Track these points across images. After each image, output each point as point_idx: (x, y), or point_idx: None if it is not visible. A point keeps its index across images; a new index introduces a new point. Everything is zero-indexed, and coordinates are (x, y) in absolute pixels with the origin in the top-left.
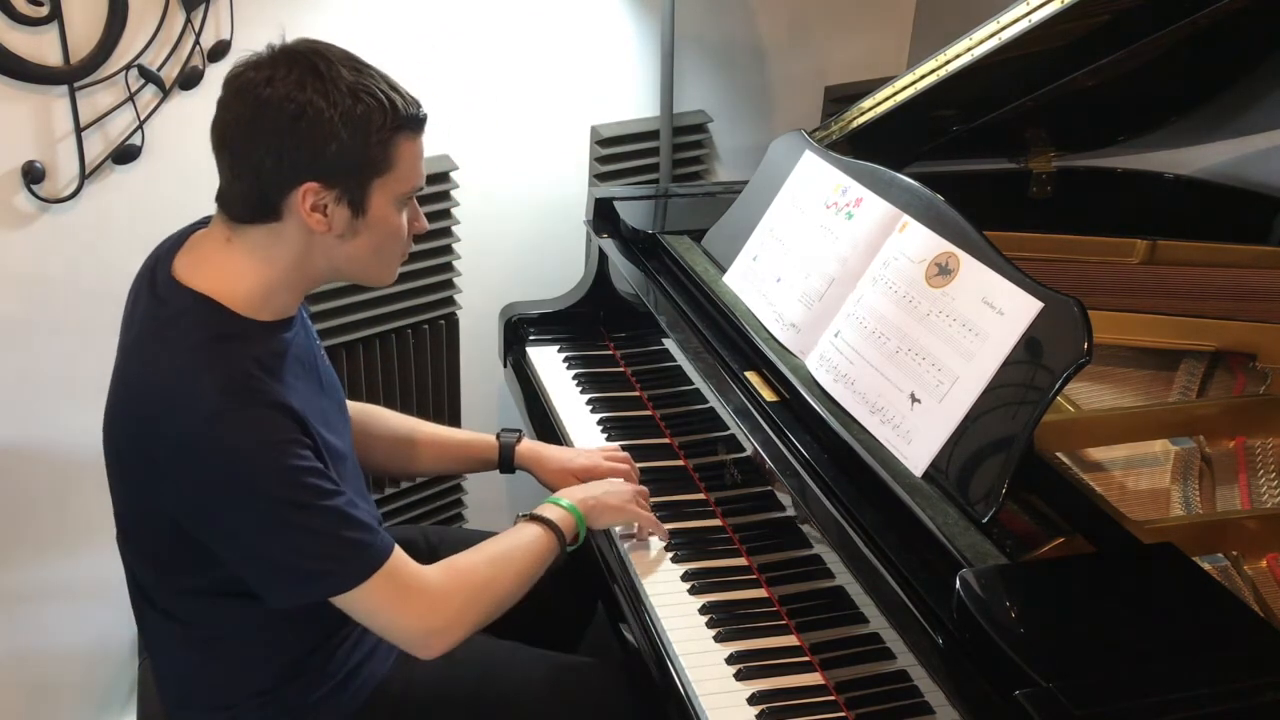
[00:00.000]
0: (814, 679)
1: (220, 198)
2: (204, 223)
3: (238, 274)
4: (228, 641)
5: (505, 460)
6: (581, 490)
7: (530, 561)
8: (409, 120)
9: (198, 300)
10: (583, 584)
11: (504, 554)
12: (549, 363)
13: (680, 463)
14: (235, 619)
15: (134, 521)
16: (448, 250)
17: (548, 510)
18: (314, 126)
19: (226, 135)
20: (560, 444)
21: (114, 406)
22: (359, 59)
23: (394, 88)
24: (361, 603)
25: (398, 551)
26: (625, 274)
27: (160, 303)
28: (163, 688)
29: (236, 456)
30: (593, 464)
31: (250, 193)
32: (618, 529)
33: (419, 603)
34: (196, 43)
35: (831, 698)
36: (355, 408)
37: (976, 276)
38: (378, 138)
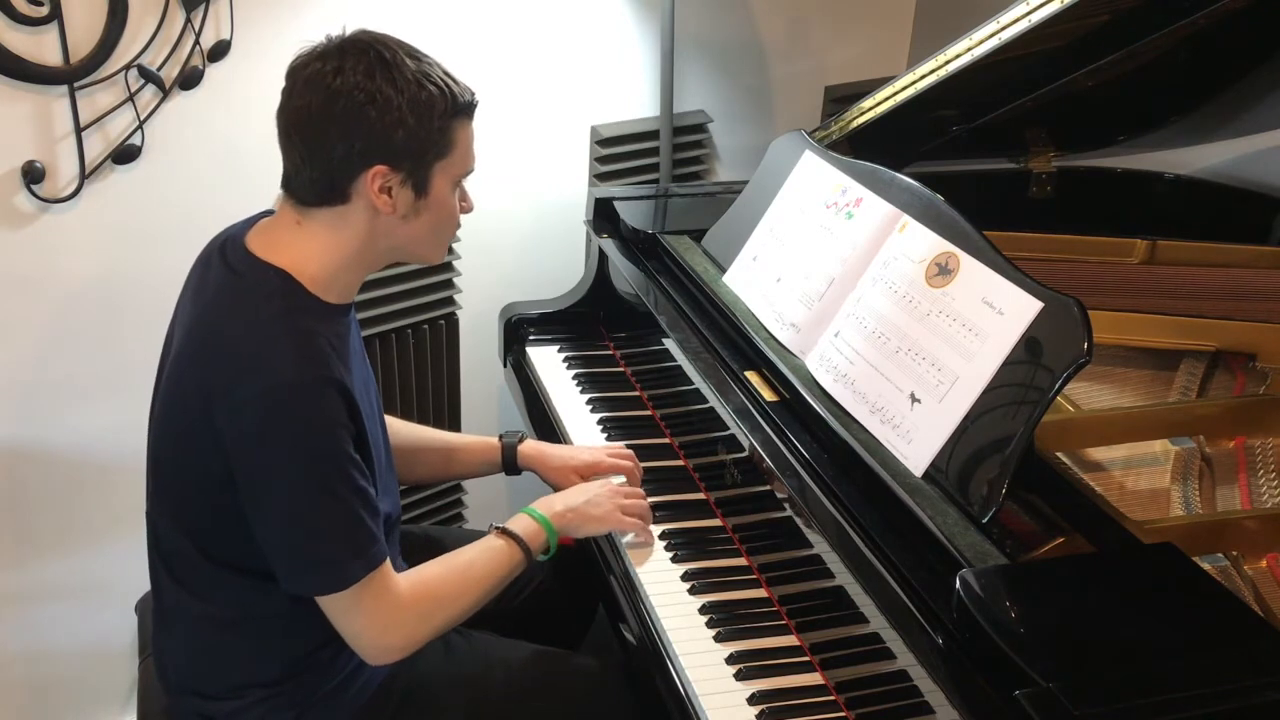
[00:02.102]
0: (814, 679)
1: (287, 184)
2: (268, 213)
3: (309, 254)
4: (244, 624)
5: (509, 462)
6: (561, 501)
7: (492, 578)
8: (465, 106)
9: (276, 273)
10: (583, 584)
11: (468, 571)
12: (549, 363)
13: (680, 463)
14: (252, 600)
15: (175, 484)
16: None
17: (518, 523)
18: (384, 113)
19: (297, 124)
20: (561, 444)
21: (182, 366)
22: (416, 48)
23: (449, 75)
24: (335, 603)
25: (385, 563)
26: (625, 274)
27: (236, 274)
28: (167, 674)
29: (295, 427)
30: (595, 460)
31: (321, 177)
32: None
33: (384, 618)
34: (196, 43)
35: (831, 698)
36: None
37: (976, 276)
38: (440, 123)
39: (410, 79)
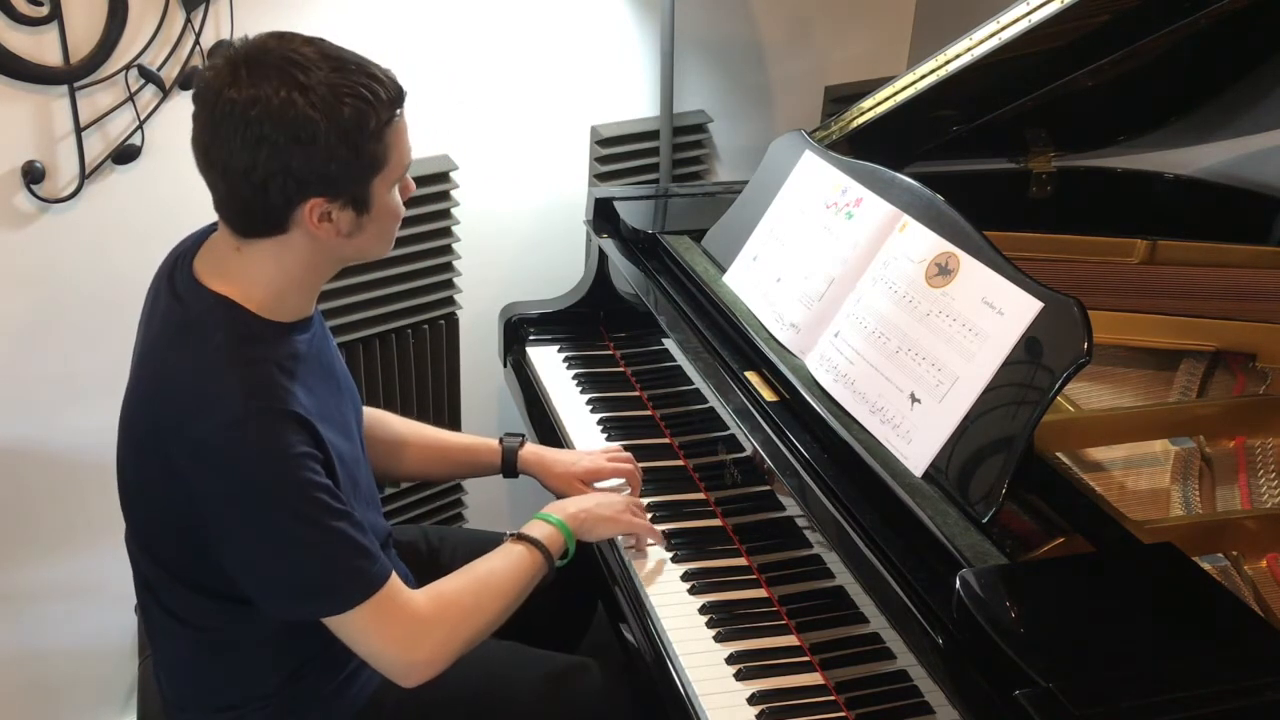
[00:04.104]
0: (814, 679)
1: (219, 211)
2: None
3: (252, 280)
4: (231, 645)
5: (508, 465)
6: (574, 504)
7: (516, 585)
8: (392, 104)
9: (218, 301)
10: (583, 584)
11: (489, 579)
12: (549, 363)
13: (680, 463)
14: (238, 623)
15: (143, 517)
16: (448, 250)
17: (535, 528)
18: (311, 147)
19: (216, 160)
20: (560, 444)
21: (134, 403)
22: (329, 48)
23: (372, 76)
24: (349, 626)
25: (393, 578)
26: (625, 274)
27: (181, 303)
28: (164, 687)
29: (255, 465)
30: (596, 466)
31: (251, 214)
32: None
33: (405, 633)
34: (196, 43)
35: (831, 698)
36: None
37: (976, 276)
38: (371, 136)
39: (331, 100)
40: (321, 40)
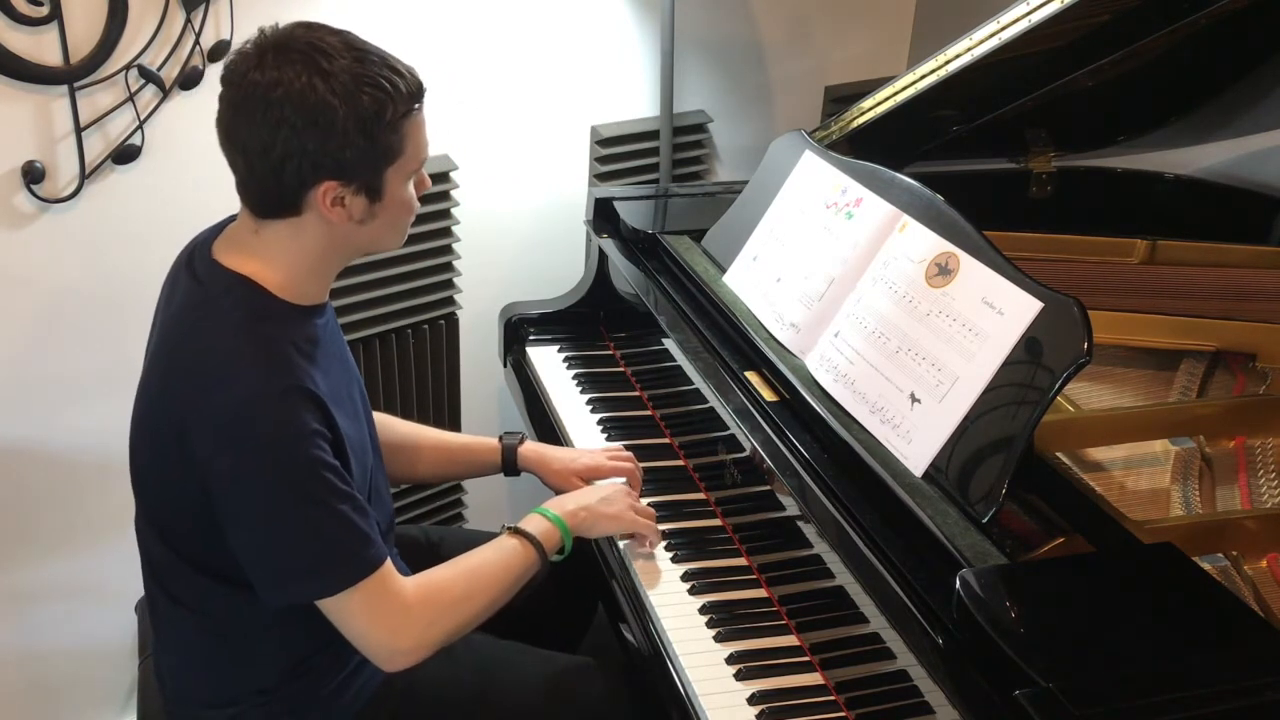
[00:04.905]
0: (814, 679)
1: (239, 191)
2: (235, 217)
3: (270, 261)
4: (237, 634)
5: (508, 463)
6: (573, 500)
7: (506, 578)
8: (411, 98)
9: (238, 280)
10: (583, 584)
11: (480, 570)
12: (549, 363)
13: (680, 463)
14: (244, 610)
15: (155, 498)
16: (448, 250)
17: (531, 523)
18: (328, 131)
19: (237, 139)
20: (560, 444)
21: (151, 384)
22: (354, 40)
23: (394, 69)
24: (338, 608)
25: (387, 564)
26: (625, 274)
27: (200, 284)
28: (165, 682)
29: (268, 442)
30: (596, 464)
31: (268, 194)
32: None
33: (392, 619)
34: (196, 43)
35: (831, 698)
36: None
37: (976, 276)
38: (388, 126)
39: (352, 88)
40: (347, 32)
